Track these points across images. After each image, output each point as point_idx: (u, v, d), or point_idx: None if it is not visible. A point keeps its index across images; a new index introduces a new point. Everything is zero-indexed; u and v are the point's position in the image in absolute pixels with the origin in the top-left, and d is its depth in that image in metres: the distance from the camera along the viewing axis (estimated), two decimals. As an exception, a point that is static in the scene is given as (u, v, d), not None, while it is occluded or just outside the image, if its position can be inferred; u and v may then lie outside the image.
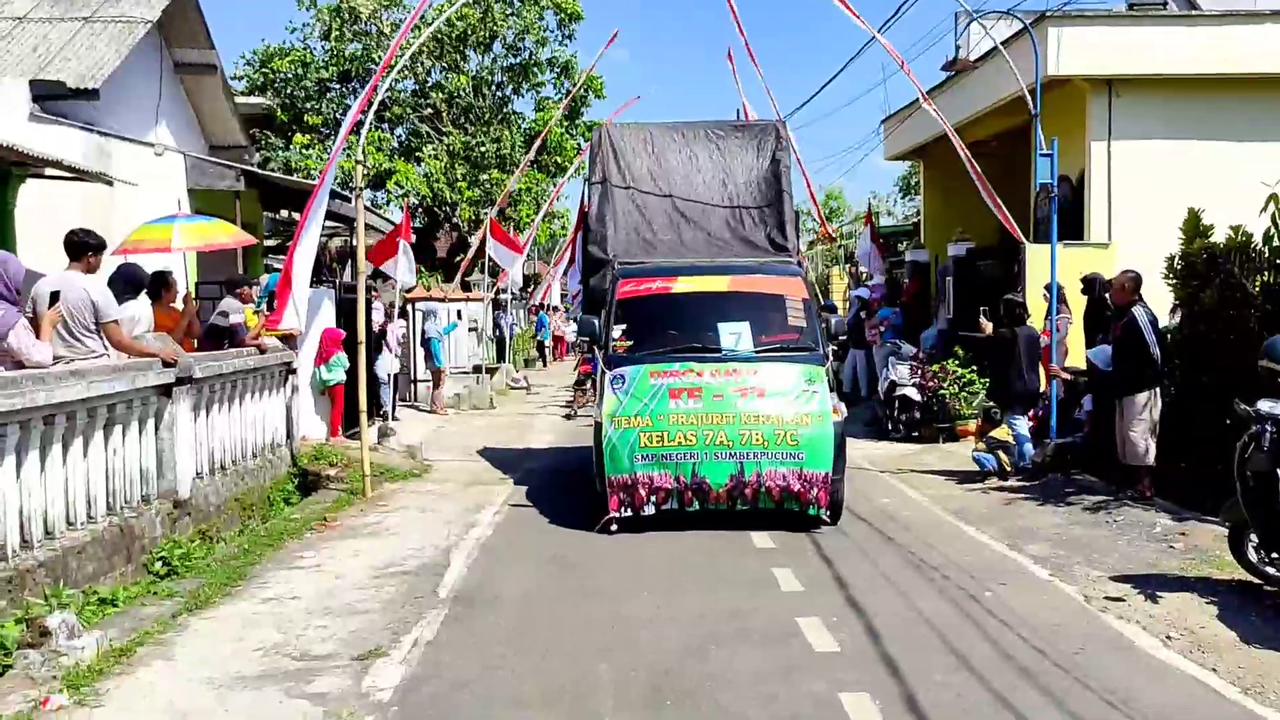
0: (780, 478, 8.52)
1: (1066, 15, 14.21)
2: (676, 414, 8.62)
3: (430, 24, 15.56)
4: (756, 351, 9.28)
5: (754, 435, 8.53)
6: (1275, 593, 6.64)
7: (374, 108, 14.74)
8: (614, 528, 8.59)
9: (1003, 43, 12.66)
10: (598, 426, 8.93)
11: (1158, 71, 13.95)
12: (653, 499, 8.60)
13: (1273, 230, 8.45)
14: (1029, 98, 11.70)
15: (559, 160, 29.68)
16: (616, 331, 9.53)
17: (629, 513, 8.61)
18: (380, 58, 28.33)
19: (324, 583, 7.38)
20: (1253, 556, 6.86)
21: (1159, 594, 6.77)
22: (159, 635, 6.09)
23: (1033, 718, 4.86)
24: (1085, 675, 5.36)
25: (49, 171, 11.11)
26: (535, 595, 7.04)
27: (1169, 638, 5.99)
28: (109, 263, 8.73)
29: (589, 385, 17.37)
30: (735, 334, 9.37)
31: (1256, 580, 6.84)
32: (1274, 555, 6.60)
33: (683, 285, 9.81)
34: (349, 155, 26.30)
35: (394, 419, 15.47)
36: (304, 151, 28.30)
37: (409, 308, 19.07)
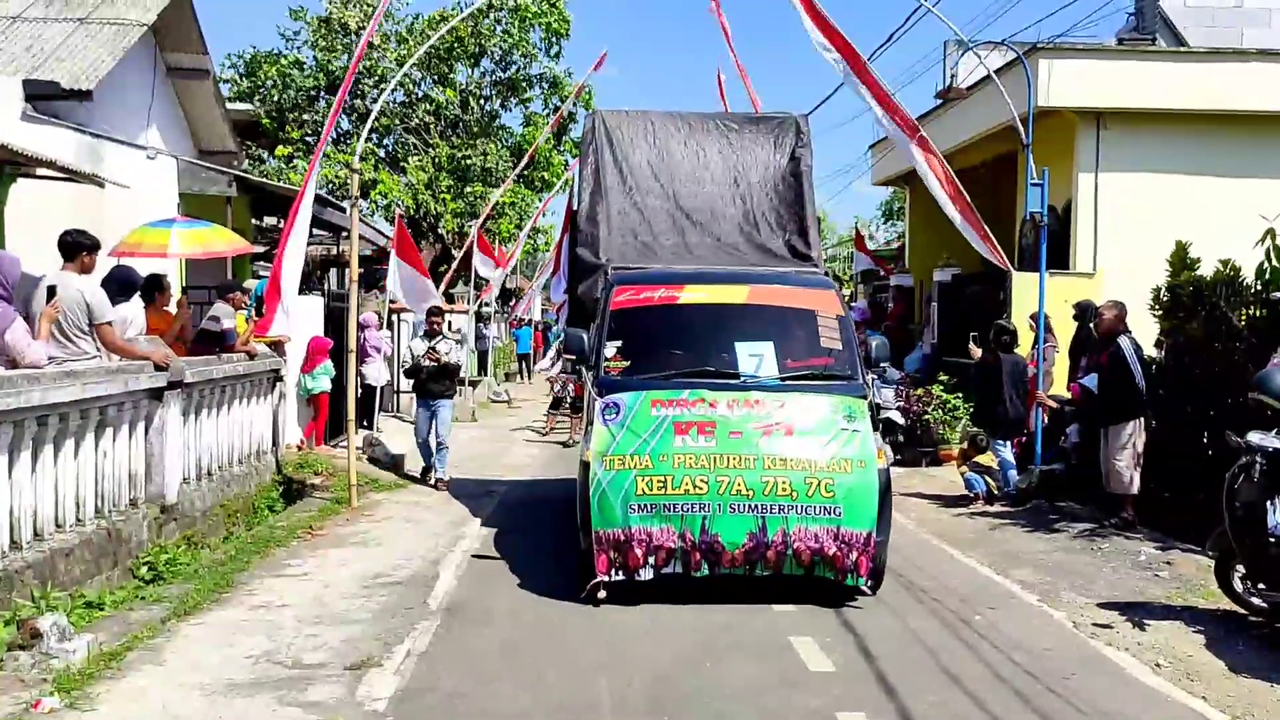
0: (811, 538, 6.86)
1: (1058, 47, 14.40)
2: (683, 454, 6.94)
3: (426, 38, 15.39)
4: (783, 378, 7.63)
5: (780, 484, 6.86)
6: (1261, 623, 6.70)
7: (370, 119, 14.61)
8: (602, 594, 6.95)
9: (995, 72, 12.80)
10: (584, 467, 7.17)
11: (1146, 106, 14.14)
12: (651, 560, 6.90)
13: (1267, 264, 8.56)
14: (1020, 127, 11.85)
15: (545, 176, 29.72)
16: (609, 349, 7.88)
17: (620, 576, 6.92)
18: (370, 69, 28.41)
19: (313, 591, 7.34)
20: (1239, 587, 6.92)
21: (1146, 622, 6.82)
22: (148, 640, 6.03)
23: (1028, 741, 4.90)
24: (1078, 700, 5.39)
25: (40, 171, 11.04)
26: (526, 608, 7.02)
27: (1158, 665, 6.04)
28: (105, 264, 8.68)
29: (568, 404, 17.07)
30: (756, 356, 7.77)
31: (1242, 610, 6.90)
32: (1260, 586, 6.66)
33: (692, 295, 8.19)
34: (333, 161, 26.65)
35: (377, 429, 15.40)
36: (287, 164, 28.24)
37: (394, 319, 19.01)
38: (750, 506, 6.85)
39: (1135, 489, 9.58)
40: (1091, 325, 10.75)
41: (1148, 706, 5.41)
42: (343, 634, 6.32)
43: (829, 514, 6.88)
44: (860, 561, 6.92)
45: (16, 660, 5.25)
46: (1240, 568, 6.85)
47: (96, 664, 5.47)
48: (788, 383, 7.60)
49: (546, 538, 9.11)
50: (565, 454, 14.84)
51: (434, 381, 11.77)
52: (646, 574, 6.91)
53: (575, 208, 10.34)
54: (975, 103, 15.30)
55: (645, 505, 6.86)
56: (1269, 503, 6.52)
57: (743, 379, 7.57)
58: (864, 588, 7.03)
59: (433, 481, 11.86)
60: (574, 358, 8.34)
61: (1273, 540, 6.42)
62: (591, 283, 9.19)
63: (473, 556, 8.48)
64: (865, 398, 7.56)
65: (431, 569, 8.03)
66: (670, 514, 6.86)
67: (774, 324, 8.19)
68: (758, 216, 9.78)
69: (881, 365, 8.07)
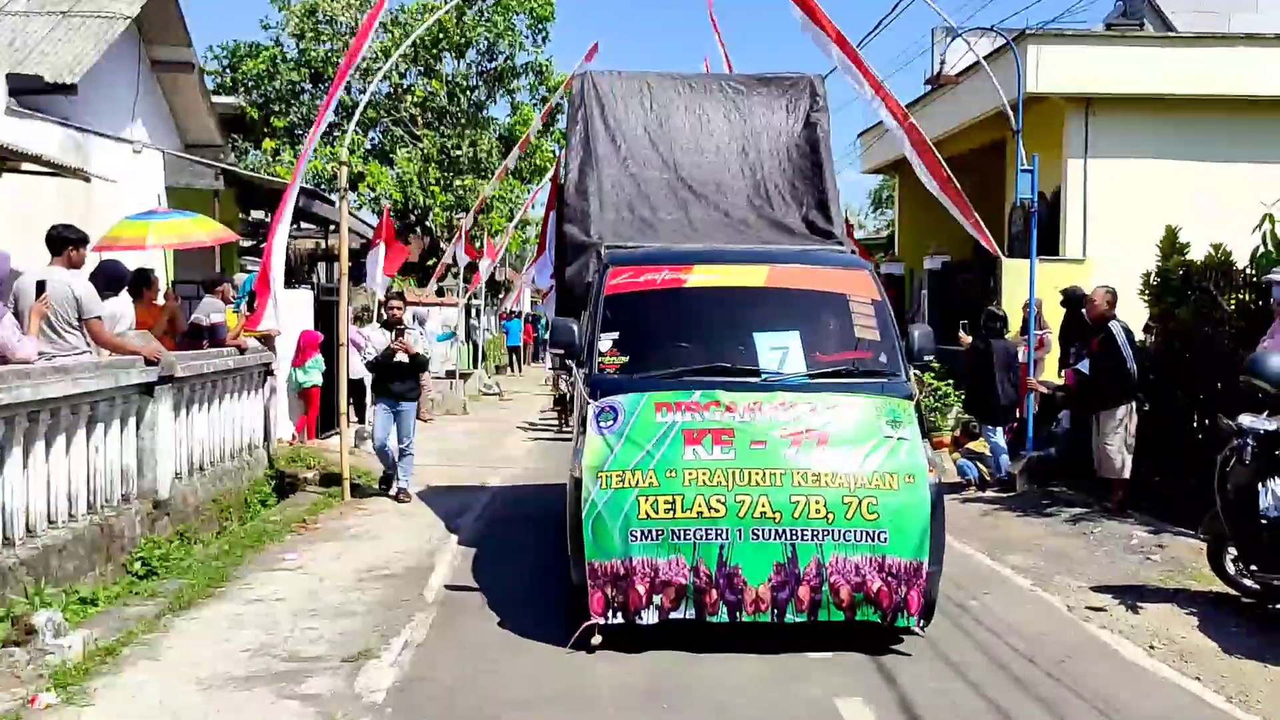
0: (851, 570, 5.73)
1: (1046, 34, 14.44)
2: (695, 469, 5.83)
3: (410, 30, 15.25)
4: (811, 376, 6.49)
5: (812, 504, 5.74)
6: (1253, 604, 6.74)
7: (359, 110, 14.55)
8: (597, 639, 5.80)
9: (984, 58, 12.82)
10: (574, 484, 6.02)
11: (1134, 91, 14.18)
12: (657, 600, 5.74)
13: (1263, 249, 8.59)
14: (1009, 114, 11.86)
15: (535, 163, 29.65)
16: (604, 342, 6.75)
17: (619, 619, 5.77)
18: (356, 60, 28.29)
19: (308, 585, 7.33)
20: (1231, 569, 6.96)
21: (1140, 604, 6.86)
22: (143, 635, 6.02)
23: (1026, 725, 4.92)
24: (1075, 683, 5.43)
25: (26, 166, 10.95)
26: (523, 600, 7.02)
27: (1152, 647, 6.07)
28: (88, 259, 8.62)
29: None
30: (779, 349, 6.64)
31: (1234, 592, 6.94)
32: (1252, 568, 6.70)
33: (701, 277, 7.08)
34: (320, 155, 26.51)
35: (368, 423, 15.37)
36: (274, 157, 28.14)
37: (383, 312, 18.97)
38: (777, 532, 5.72)
39: (1127, 473, 9.62)
40: (1083, 311, 10.79)
41: (1142, 688, 5.44)
42: (339, 627, 6.32)
43: (872, 540, 5.75)
44: (910, 597, 5.75)
45: (12, 656, 5.22)
46: (1232, 550, 6.89)
47: (92, 659, 5.46)
48: (818, 381, 6.46)
49: (547, 534, 9.12)
50: (559, 447, 14.83)
51: (398, 379, 10.43)
52: (650, 617, 5.76)
53: (562, 181, 9.11)
54: (964, 90, 15.33)
55: (649, 531, 5.73)
56: (1260, 485, 6.55)
57: (764, 377, 6.44)
58: (916, 628, 5.86)
59: (394, 492, 10.62)
60: (561, 352, 7.05)
61: (1264, 522, 6.44)
62: (582, 264, 8.03)
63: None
64: (912, 398, 6.44)
65: (427, 560, 8.03)
66: (680, 542, 5.72)
67: (799, 311, 7.07)
68: (769, 189, 8.68)
69: (926, 358, 6.91)
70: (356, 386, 14.63)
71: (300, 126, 29.70)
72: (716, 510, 5.72)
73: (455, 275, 23.84)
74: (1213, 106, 14.27)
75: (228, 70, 30.39)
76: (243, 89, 29.40)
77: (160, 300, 9.69)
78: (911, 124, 11.33)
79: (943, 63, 13.01)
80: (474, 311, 27.49)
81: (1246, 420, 6.67)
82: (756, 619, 5.74)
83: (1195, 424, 9.77)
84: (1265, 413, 6.73)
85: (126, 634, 5.95)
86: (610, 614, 5.77)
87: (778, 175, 8.78)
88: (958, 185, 11.53)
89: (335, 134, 29.54)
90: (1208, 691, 5.39)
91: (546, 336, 9.62)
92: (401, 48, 22.13)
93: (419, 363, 10.60)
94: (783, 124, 9.05)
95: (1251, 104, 14.22)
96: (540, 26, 29.49)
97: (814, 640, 5.89)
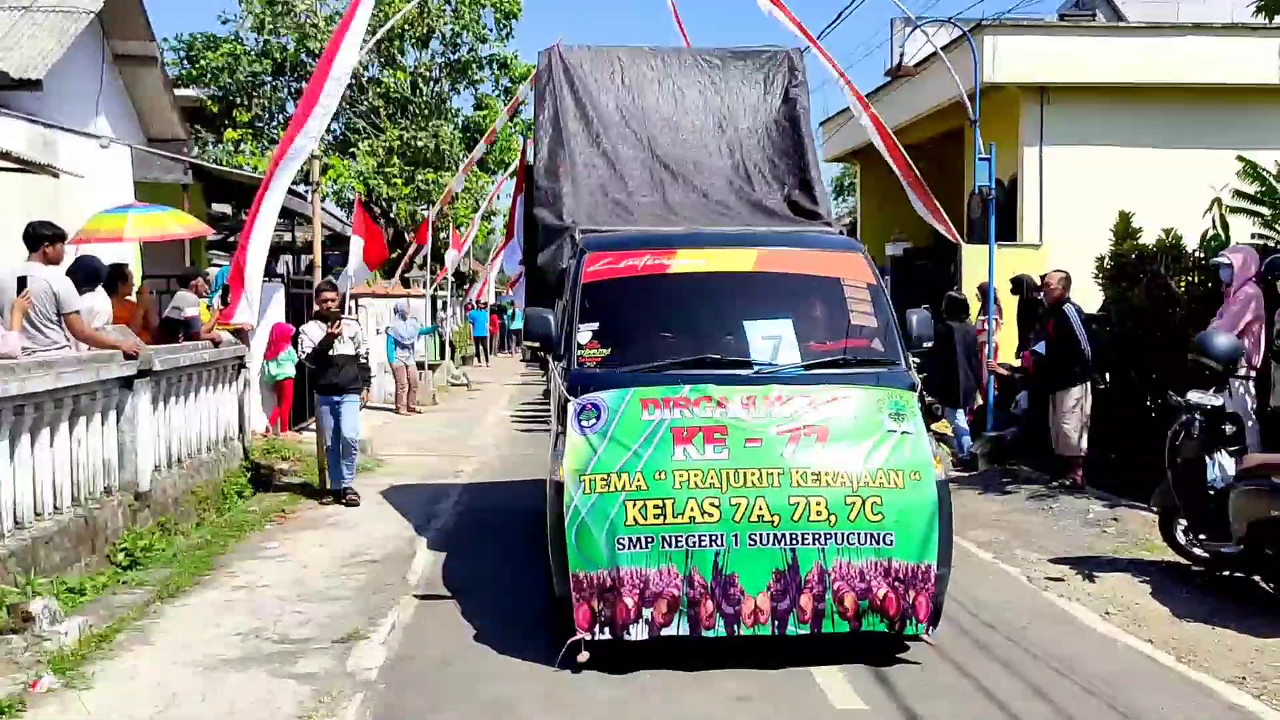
0: (856, 576, 5.37)
1: (1002, 24, 14.78)
2: (686, 470, 5.42)
3: (377, 27, 15.17)
4: (807, 367, 6.10)
5: (813, 505, 5.37)
6: (1203, 572, 7.08)
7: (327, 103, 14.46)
8: (583, 656, 5.32)
9: (942, 49, 13.11)
10: (555, 489, 5.62)
11: (1087, 80, 14.57)
12: (647, 614, 5.32)
13: (1212, 231, 8.94)
14: (967, 103, 12.16)
15: (500, 157, 29.70)
16: (584, 334, 6.28)
17: (607, 634, 5.35)
18: (316, 49, 28.19)
19: (292, 572, 7.48)
20: (1181, 539, 7.29)
21: (1095, 574, 7.18)
22: (135, 622, 6.16)
23: (990, 684, 5.19)
24: (1034, 647, 5.73)
25: (-6, 163, 10.95)
26: (506, 581, 7.21)
27: (1107, 613, 6.39)
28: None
29: None
30: (772, 338, 6.26)
31: (1185, 561, 7.28)
32: (1202, 537, 7.03)
33: (686, 262, 6.62)
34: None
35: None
36: (237, 148, 27.99)
37: (353, 304, 19.01)
38: (776, 536, 5.33)
39: (1083, 451, 9.97)
40: (1040, 295, 11.11)
41: (1099, 651, 5.75)
42: (327, 610, 6.48)
43: (877, 543, 5.39)
44: (919, 603, 5.42)
45: (9, 643, 5.35)
46: (1183, 521, 7.23)
47: (88, 645, 5.59)
48: (814, 372, 6.05)
49: (519, 520, 9.30)
50: (527, 436, 15.00)
51: (337, 372, 9.87)
52: (640, 632, 5.32)
53: (531, 161, 8.61)
54: (922, 79, 15.63)
55: (638, 539, 5.31)
56: (1208, 458, 6.91)
57: (756, 369, 6.03)
58: (925, 636, 5.49)
59: (346, 499, 9.92)
60: (536, 345, 6.56)
61: (1212, 493, 6.81)
62: (555, 250, 7.52)
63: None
64: (915, 388, 6.10)
65: (408, 547, 8.20)
66: (671, 550, 5.30)
67: (791, 297, 6.69)
68: (749, 168, 8.31)
69: (925, 345, 6.55)
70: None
71: (263, 119, 29.59)
72: (710, 514, 5.32)
73: (421, 267, 23.89)
74: (1163, 94, 14.69)
75: (185, 63, 30.17)
76: (202, 82, 29.22)
77: (134, 295, 9.74)
78: (874, 114, 11.63)
79: (902, 54, 13.29)
80: (440, 303, 27.55)
81: (1194, 396, 7.01)
82: (756, 632, 5.32)
83: (1148, 402, 10.13)
84: (1212, 389, 7.09)
85: (119, 621, 6.09)
86: (597, 629, 5.33)
87: (757, 154, 8.42)
88: (918, 173, 11.84)
89: (316, 126, 29.36)
90: (1159, 653, 5.71)
91: (515, 327, 8.64)
92: (369, 44, 22.03)
93: (359, 353, 10.10)
94: (761, 100, 8.69)
95: (1200, 92, 14.65)
96: (506, 21, 29.52)
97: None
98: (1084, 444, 9.95)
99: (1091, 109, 14.80)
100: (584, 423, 5.68)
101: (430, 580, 7.26)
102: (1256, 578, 6.65)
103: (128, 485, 8.18)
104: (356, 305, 19.27)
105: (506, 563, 7.69)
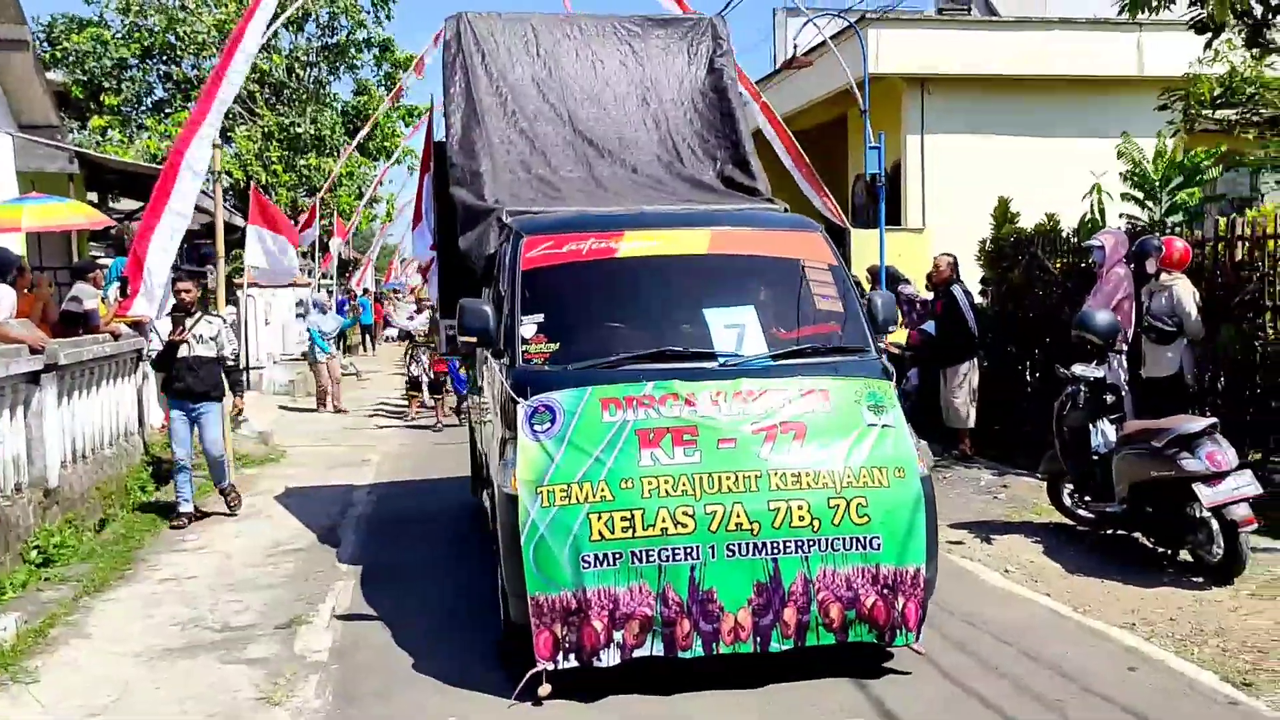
0: (842, 584, 4.96)
1: (884, 17, 15.39)
2: (655, 476, 4.93)
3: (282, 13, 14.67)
4: (775, 357, 5.55)
5: (794, 510, 4.94)
6: (1088, 532, 7.68)
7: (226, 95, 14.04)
8: (545, 689, 4.82)
9: (828, 39, 13.61)
10: (508, 502, 5.04)
11: (964, 72, 15.28)
12: (618, 637, 4.84)
13: (1090, 215, 9.58)
14: (857, 93, 12.67)
15: (382, 143, 29.32)
16: (528, 327, 5.62)
17: (573, 661, 4.85)
18: (183, 33, 27.33)
19: (216, 563, 7.48)
20: (1068, 501, 7.88)
21: (992, 536, 7.71)
22: (66, 617, 6.12)
23: (910, 639, 5.60)
24: (944, 603, 6.09)
25: None
26: (438, 560, 7.34)
27: (1007, 571, 6.90)
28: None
29: (446, 390, 14.73)
30: (735, 327, 5.70)
31: (1071, 522, 7.86)
32: (1087, 499, 7.62)
33: (635, 244, 5.98)
34: (153, 132, 25.58)
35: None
36: (104, 135, 26.98)
37: (238, 294, 18.58)
38: (756, 546, 4.89)
39: (972, 423, 10.59)
40: (929, 275, 11.70)
41: (1003, 603, 6.26)
42: (262, 598, 6.53)
43: (864, 548, 4.98)
44: (908, 610, 5.03)
45: (-55, 642, 5.28)
46: (1069, 485, 7.81)
47: (25, 640, 5.55)
48: (784, 363, 5.51)
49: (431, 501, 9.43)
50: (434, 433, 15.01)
51: (194, 375, 8.79)
52: (611, 657, 4.84)
53: (443, 138, 8.02)
54: (808, 70, 16.15)
55: (605, 555, 4.81)
56: (1091, 425, 7.50)
57: (722, 361, 5.43)
58: (914, 646, 5.10)
59: (228, 506, 9.19)
60: (473, 340, 5.86)
61: (1095, 458, 7.40)
62: (480, 233, 6.75)
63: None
64: (891, 377, 5.64)
65: (331, 535, 8.24)
66: (643, 565, 4.82)
67: (751, 281, 6.16)
68: (677, 142, 7.80)
69: (890, 329, 6.23)
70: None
71: (131, 104, 28.56)
72: (684, 524, 4.84)
73: (305, 255, 23.49)
74: (1035, 86, 15.52)
75: (45, 44, 28.86)
76: (65, 65, 28.01)
77: (31, 288, 9.47)
78: (764, 102, 12.03)
79: (795, 46, 13.71)
80: (325, 292, 27.12)
81: (1079, 369, 7.59)
82: (736, 649, 4.90)
83: (1029, 377, 10.81)
84: (1094, 362, 7.69)
85: (50, 616, 6.04)
86: (561, 657, 4.83)
87: (685, 128, 7.89)
88: (808, 160, 12.30)
89: (167, 112, 28.53)
90: (1057, 604, 6.22)
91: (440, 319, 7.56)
92: (272, 26, 21.49)
93: (224, 354, 9.05)
94: (684, 69, 8.13)
95: (1069, 82, 15.52)
96: (384, 4, 29.10)
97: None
98: (973, 417, 10.56)
99: (969, 99, 15.54)
100: (537, 427, 5.08)
101: (363, 563, 7.33)
102: (1137, 534, 7.24)
103: (37, 481, 8.00)
104: (242, 294, 18.84)
105: (429, 552, 7.79)
